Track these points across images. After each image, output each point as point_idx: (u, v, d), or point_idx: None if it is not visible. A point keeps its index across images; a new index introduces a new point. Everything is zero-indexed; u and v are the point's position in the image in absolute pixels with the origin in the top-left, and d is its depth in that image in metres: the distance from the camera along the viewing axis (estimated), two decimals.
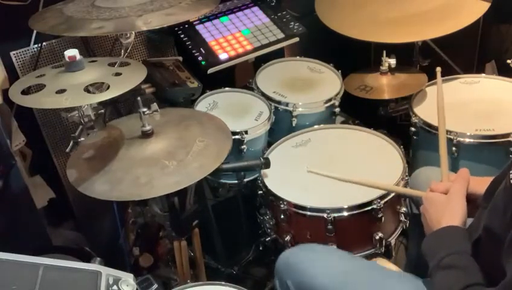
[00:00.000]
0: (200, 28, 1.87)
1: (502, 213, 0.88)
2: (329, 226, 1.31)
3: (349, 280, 1.13)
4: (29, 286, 0.87)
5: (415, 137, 1.69)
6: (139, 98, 1.22)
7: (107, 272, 0.95)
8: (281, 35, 1.87)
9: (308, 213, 1.34)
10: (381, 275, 1.15)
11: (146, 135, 1.26)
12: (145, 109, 1.23)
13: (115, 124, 1.41)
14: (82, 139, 1.41)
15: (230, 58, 1.79)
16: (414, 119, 1.68)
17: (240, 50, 1.81)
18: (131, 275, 0.98)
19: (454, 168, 1.56)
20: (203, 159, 1.21)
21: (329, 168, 1.42)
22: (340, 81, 1.84)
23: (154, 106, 1.25)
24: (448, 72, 1.91)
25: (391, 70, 1.81)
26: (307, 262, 1.18)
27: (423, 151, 1.71)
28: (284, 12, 1.95)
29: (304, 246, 1.28)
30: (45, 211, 1.75)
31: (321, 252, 1.21)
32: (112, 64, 1.33)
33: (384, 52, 1.78)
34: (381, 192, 1.33)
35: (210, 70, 1.75)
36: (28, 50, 1.70)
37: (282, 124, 1.71)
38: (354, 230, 1.37)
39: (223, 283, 1.18)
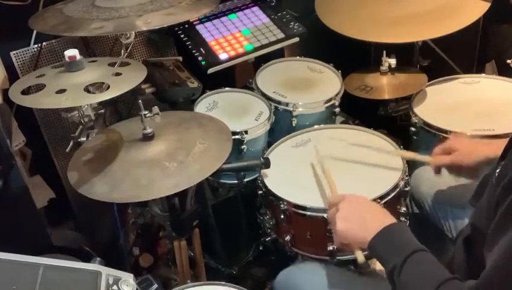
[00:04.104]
0: (200, 28, 1.87)
1: (486, 210, 0.89)
2: (329, 226, 1.31)
3: None
4: (29, 286, 0.87)
5: (415, 137, 1.69)
6: (140, 101, 1.22)
7: (107, 272, 0.95)
8: (281, 35, 1.87)
9: (308, 213, 1.34)
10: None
11: (147, 138, 1.26)
12: (146, 112, 1.23)
13: (116, 127, 1.41)
14: (82, 139, 1.41)
15: (230, 58, 1.79)
16: (414, 119, 1.68)
17: (240, 50, 1.81)
18: (131, 275, 0.98)
19: None
20: (203, 160, 1.21)
21: (329, 168, 1.42)
22: (340, 81, 1.84)
23: (155, 108, 1.25)
24: (448, 72, 1.91)
25: (391, 70, 1.81)
26: (303, 282, 1.19)
27: (423, 151, 1.71)
28: (284, 12, 1.95)
29: (300, 266, 1.29)
30: (45, 211, 1.75)
31: (317, 271, 1.21)
32: (112, 64, 1.33)
33: (384, 52, 1.78)
34: (381, 192, 1.33)
35: (210, 70, 1.75)
36: (28, 50, 1.70)
37: (282, 124, 1.71)
38: None
39: (223, 283, 1.18)
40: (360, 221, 1.05)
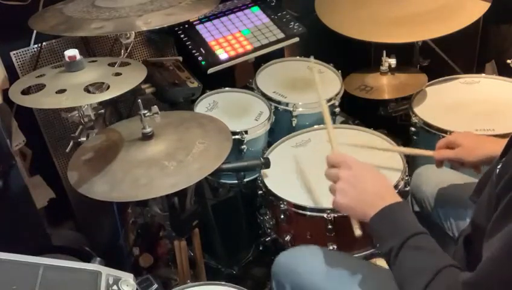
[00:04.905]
0: (200, 28, 1.87)
1: (486, 207, 0.88)
2: (329, 226, 1.31)
3: (347, 281, 1.12)
4: (29, 286, 0.87)
5: (415, 137, 1.70)
6: (139, 101, 1.22)
7: (107, 272, 0.95)
8: (281, 35, 1.87)
9: (308, 213, 1.34)
10: (379, 275, 1.14)
11: (146, 137, 1.26)
12: (145, 111, 1.23)
13: (116, 127, 1.41)
14: (82, 139, 1.41)
15: (230, 58, 1.79)
16: (414, 119, 1.68)
17: (240, 50, 1.81)
18: (131, 275, 0.98)
19: (454, 167, 1.56)
20: (202, 160, 1.21)
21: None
22: (340, 81, 1.84)
23: (155, 108, 1.25)
24: (448, 72, 1.91)
25: (391, 70, 1.81)
26: (304, 264, 1.18)
27: None
28: (284, 12, 1.95)
29: (301, 248, 1.27)
30: (45, 211, 1.75)
31: (318, 254, 1.20)
32: (112, 64, 1.33)
33: (384, 52, 1.78)
34: None
35: (210, 70, 1.75)
36: (28, 50, 1.70)
37: (282, 124, 1.71)
38: None
39: (223, 282, 1.18)
40: (361, 196, 1.01)
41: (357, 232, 1.05)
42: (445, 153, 1.31)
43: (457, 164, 1.30)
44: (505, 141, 0.97)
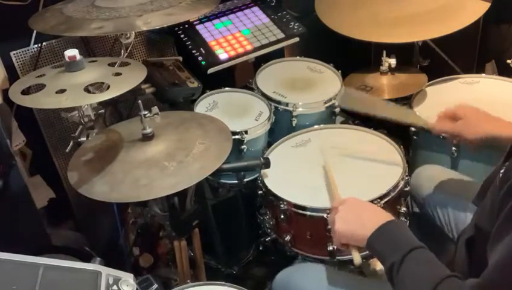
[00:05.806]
0: (200, 28, 1.87)
1: (489, 211, 0.88)
2: (329, 226, 1.30)
3: None
4: (29, 286, 0.87)
5: (415, 137, 1.69)
6: (139, 101, 1.22)
7: (107, 272, 0.95)
8: (281, 35, 1.87)
9: (308, 213, 1.34)
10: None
11: (147, 138, 1.26)
12: (145, 112, 1.23)
13: (116, 127, 1.41)
14: (82, 139, 1.41)
15: (230, 58, 1.79)
16: None
17: (240, 50, 1.81)
18: (131, 275, 0.98)
19: (454, 168, 1.57)
20: (202, 160, 1.21)
21: (330, 168, 1.42)
22: (340, 81, 1.84)
23: (155, 108, 1.25)
24: (448, 72, 1.91)
25: (391, 70, 1.81)
26: (300, 281, 1.19)
27: (423, 151, 1.71)
28: (284, 12, 1.95)
29: (299, 265, 1.29)
30: (45, 211, 1.75)
31: (317, 272, 1.21)
32: (112, 64, 1.33)
33: (384, 52, 1.78)
34: (381, 192, 1.33)
35: (210, 70, 1.75)
36: (28, 50, 1.70)
37: (282, 124, 1.71)
38: None
39: (223, 282, 1.18)
40: (358, 220, 1.06)
41: (357, 260, 1.08)
42: (444, 125, 1.30)
43: (454, 139, 1.28)
44: (507, 123, 0.96)
